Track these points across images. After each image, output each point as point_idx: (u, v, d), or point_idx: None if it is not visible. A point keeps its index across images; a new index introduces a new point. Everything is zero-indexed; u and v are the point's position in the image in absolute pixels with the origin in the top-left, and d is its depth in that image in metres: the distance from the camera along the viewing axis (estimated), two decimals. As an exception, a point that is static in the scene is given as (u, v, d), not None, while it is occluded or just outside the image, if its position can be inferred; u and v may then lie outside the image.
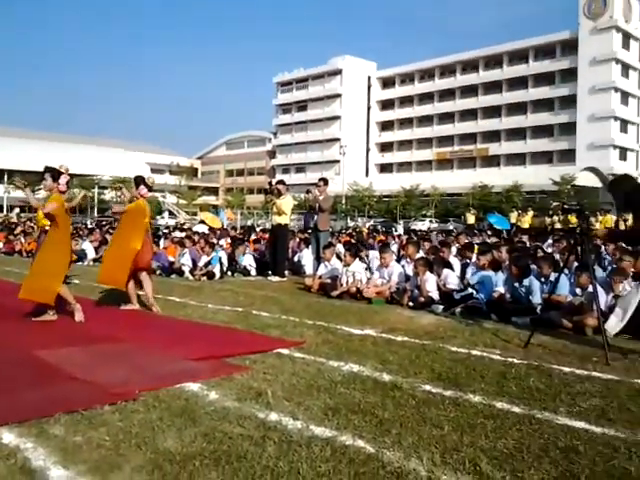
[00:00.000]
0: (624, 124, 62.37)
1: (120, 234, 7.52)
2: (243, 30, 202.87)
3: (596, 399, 3.97)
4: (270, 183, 11.76)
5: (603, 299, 6.58)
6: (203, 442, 3.12)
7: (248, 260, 11.77)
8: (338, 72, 79.34)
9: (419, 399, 3.89)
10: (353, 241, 13.44)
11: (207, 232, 17.06)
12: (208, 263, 11.01)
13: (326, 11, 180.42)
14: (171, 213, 51.57)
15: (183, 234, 16.79)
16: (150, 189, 7.53)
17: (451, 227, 36.62)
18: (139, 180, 7.45)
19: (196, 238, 13.09)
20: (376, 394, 3.99)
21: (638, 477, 2.81)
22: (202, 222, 25.69)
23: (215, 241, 13.15)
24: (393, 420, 3.50)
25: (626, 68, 62.05)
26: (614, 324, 6.28)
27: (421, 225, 40.99)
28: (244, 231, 19.59)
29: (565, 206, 6.32)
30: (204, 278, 10.76)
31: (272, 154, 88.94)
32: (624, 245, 9.66)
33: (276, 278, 10.64)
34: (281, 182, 11.47)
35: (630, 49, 62.28)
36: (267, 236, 13.56)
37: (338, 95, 79.40)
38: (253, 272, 11.64)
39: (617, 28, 60.00)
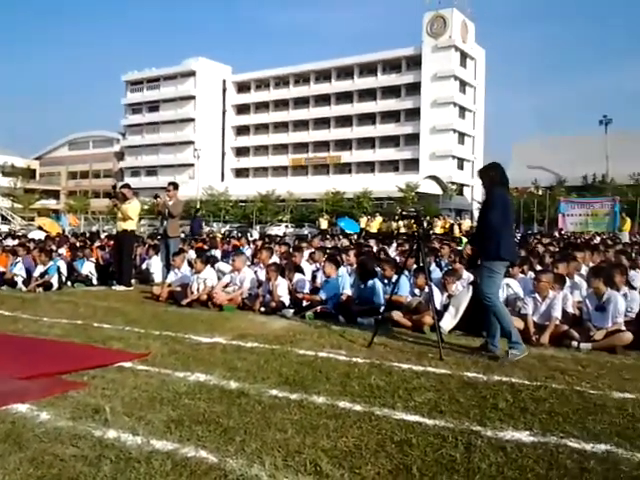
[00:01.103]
0: (461, 136, 68.08)
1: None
2: (90, 26, 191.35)
3: (430, 393, 4.26)
4: (114, 187, 11.12)
5: (438, 299, 7.09)
6: (29, 468, 2.88)
7: (89, 268, 11.06)
8: (192, 74, 77.80)
9: (265, 404, 3.91)
10: (206, 247, 13.22)
11: (43, 239, 15.82)
12: (45, 273, 10.17)
13: (180, 11, 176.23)
14: (4, 218, 46.98)
15: (16, 241, 15.43)
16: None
17: (306, 232, 37.43)
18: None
19: (31, 246, 12.06)
20: (222, 403, 3.93)
21: (462, 462, 3.05)
22: (40, 228, 23.78)
23: (53, 248, 12.22)
24: (238, 428, 3.47)
25: (463, 85, 67.82)
26: (448, 322, 6.80)
27: (277, 230, 41.36)
28: (86, 237, 18.39)
29: (403, 212, 6.74)
30: (40, 289, 9.92)
31: (120, 156, 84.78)
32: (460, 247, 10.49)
33: (121, 287, 10.11)
34: (126, 186, 10.94)
35: (467, 67, 68.18)
36: (112, 243, 12.86)
37: (192, 97, 77.84)
38: (95, 281, 10.95)
39: (455, 47, 65.41)
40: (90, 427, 3.44)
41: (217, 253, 11.92)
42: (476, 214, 55.13)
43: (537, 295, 6.54)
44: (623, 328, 6.07)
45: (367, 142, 71.15)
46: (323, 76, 74.01)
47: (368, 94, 70.72)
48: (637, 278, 8.65)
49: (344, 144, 72.49)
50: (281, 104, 77.18)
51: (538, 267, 8.70)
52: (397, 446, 3.25)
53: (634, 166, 51.76)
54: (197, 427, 3.46)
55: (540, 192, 54.97)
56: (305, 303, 7.72)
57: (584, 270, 8.39)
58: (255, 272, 8.82)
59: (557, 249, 12.52)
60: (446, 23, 64.94)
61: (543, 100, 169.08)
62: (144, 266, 11.82)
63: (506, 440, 3.35)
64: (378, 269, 8.06)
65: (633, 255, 10.45)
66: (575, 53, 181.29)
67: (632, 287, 7.48)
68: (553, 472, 2.95)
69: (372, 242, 14.98)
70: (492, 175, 5.73)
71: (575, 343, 6.00)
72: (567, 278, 7.46)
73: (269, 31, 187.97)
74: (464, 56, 67.54)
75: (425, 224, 19.11)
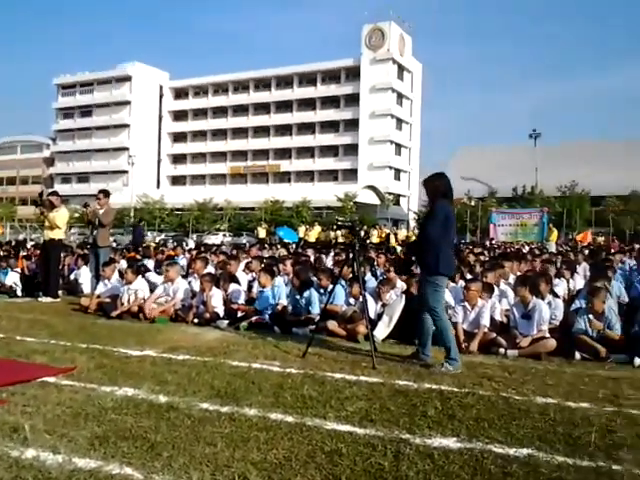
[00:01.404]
0: (398, 147, 69.52)
1: None
2: (21, 24, 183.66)
3: (362, 402, 4.29)
4: (40, 194, 10.67)
5: (373, 308, 7.19)
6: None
7: (13, 279, 10.56)
8: (127, 78, 76.01)
9: (195, 418, 3.83)
10: (139, 257, 12.89)
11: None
12: (-36, 284, 9.65)
13: (116, 14, 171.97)
14: None
15: None
16: None
17: (244, 241, 37.16)
18: None
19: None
20: (150, 417, 3.83)
21: (390, 471, 3.08)
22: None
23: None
24: (165, 443, 3.39)
25: (400, 97, 69.33)
26: (382, 330, 6.90)
27: (214, 239, 40.83)
28: (12, 246, 17.57)
29: (338, 222, 6.80)
30: (-40, 301, 9.40)
31: (50, 162, 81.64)
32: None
33: (47, 299, 9.69)
34: (54, 193, 10.52)
35: (404, 80, 69.76)
36: (38, 252, 12.33)
37: (127, 102, 76.00)
38: (19, 292, 10.47)
39: (393, 60, 66.84)
40: (7, 447, 3.28)
41: (150, 263, 11.63)
42: (412, 224, 56.42)
43: (467, 304, 6.72)
44: (547, 335, 6.34)
45: (307, 151, 71.52)
46: (262, 84, 73.95)
47: (308, 104, 71.18)
48: (561, 287, 9.06)
49: (284, 153, 72.59)
50: (220, 111, 76.52)
51: (469, 276, 8.94)
52: (327, 456, 3.26)
53: (561, 178, 54.29)
54: (123, 443, 3.36)
55: (473, 203, 56.79)
56: (240, 314, 7.65)
57: (512, 279, 8.69)
58: (189, 282, 8.66)
59: (487, 258, 12.92)
60: (384, 36, 66.34)
61: (476, 113, 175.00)
62: (72, 277, 11.39)
63: (434, 447, 3.42)
64: (315, 279, 8.08)
65: (558, 264, 10.92)
66: (507, 69, 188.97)
67: (556, 295, 7.83)
68: (478, 477, 3.03)
69: (310, 251, 15.04)
70: (437, 185, 5.68)
71: (502, 350, 6.20)
72: (495, 287, 7.73)
73: (208, 39, 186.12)
74: (401, 69, 69.13)
75: (362, 234, 19.33)
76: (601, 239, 34.93)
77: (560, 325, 6.99)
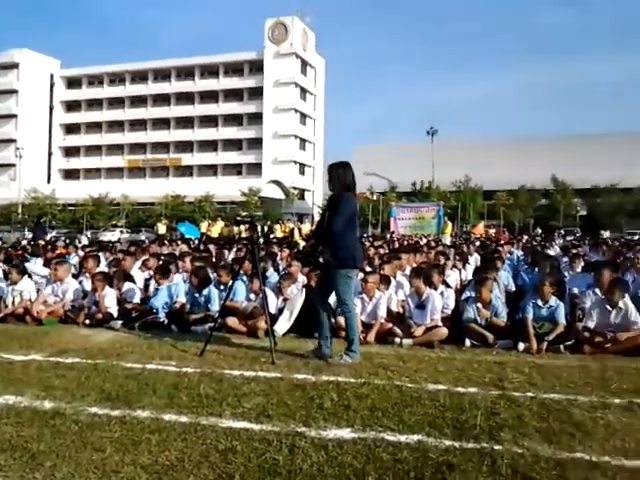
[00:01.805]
0: (303, 142, 69.95)
1: None
2: None
3: (259, 398, 4.27)
4: None
5: (274, 303, 7.18)
6: None
7: None
8: (15, 66, 71.07)
9: (83, 424, 3.65)
10: (27, 255, 12.09)
11: None
12: None
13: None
14: None
15: None
16: None
17: (143, 237, 35.92)
18: None
19: None
20: (33, 425, 3.61)
21: (284, 465, 3.09)
22: None
23: None
24: (49, 451, 3.21)
25: (304, 92, 69.73)
26: (282, 325, 6.90)
27: (110, 236, 39.13)
28: None
29: (238, 218, 6.72)
30: None
31: None
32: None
33: None
34: None
35: (307, 75, 70.20)
36: None
37: (14, 91, 71.08)
38: None
39: (296, 55, 67.04)
40: None
41: (39, 262, 10.94)
42: (317, 218, 57.10)
43: (364, 296, 6.88)
44: (440, 324, 6.61)
45: (209, 145, 70.30)
46: (162, 75, 71.78)
47: (210, 96, 69.92)
48: (454, 277, 9.50)
49: (185, 146, 70.91)
50: (116, 102, 73.45)
51: (368, 269, 9.14)
52: (221, 455, 3.21)
53: (456, 173, 57.00)
54: (0, 455, 3.14)
55: (375, 197, 58.42)
56: (135, 314, 7.36)
57: (408, 271, 8.97)
58: (80, 282, 8.23)
59: (387, 251, 13.29)
60: (287, 30, 66.41)
61: (378, 110, 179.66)
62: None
63: (329, 439, 3.47)
64: (215, 275, 7.95)
65: (451, 256, 11.43)
66: (408, 67, 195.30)
67: (448, 286, 8.20)
68: (370, 466, 3.11)
69: (212, 247, 14.77)
70: (344, 174, 5.56)
71: (398, 340, 6.41)
72: (392, 278, 7.97)
73: (106, 27, 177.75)
74: (305, 64, 69.52)
75: (265, 229, 19.28)
76: (492, 231, 37.04)
77: (452, 314, 7.32)
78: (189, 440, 3.42)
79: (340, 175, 5.57)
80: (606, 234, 33.34)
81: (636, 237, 32.92)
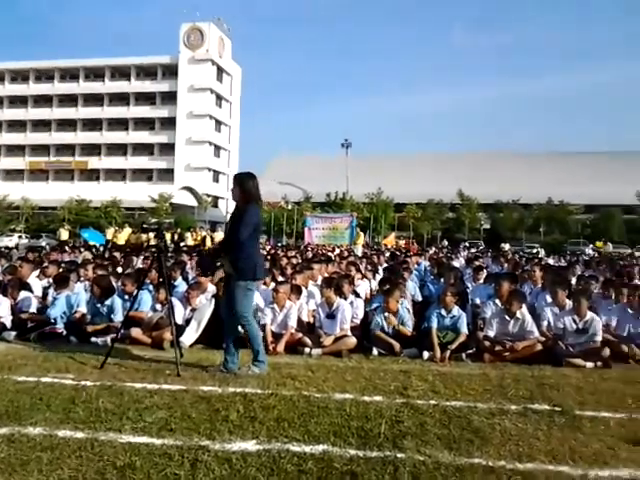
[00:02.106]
0: (217, 149, 69.06)
1: None
2: None
3: (162, 411, 4.12)
4: None
5: (181, 313, 6.99)
6: None
7: None
8: None
9: (-36, 445, 3.37)
10: None
11: None
12: None
13: None
14: None
15: None
16: None
17: (43, 243, 34.03)
18: None
19: None
20: None
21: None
22: None
23: None
24: None
25: (220, 99, 68.92)
26: (190, 336, 6.74)
27: (8, 241, 36.75)
28: None
29: (144, 225, 6.50)
30: None
31: None
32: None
33: None
34: None
35: (223, 82, 69.45)
36: None
37: None
38: None
39: (212, 61, 66.21)
40: None
41: None
42: (230, 227, 56.30)
43: (275, 306, 6.84)
44: (349, 334, 6.69)
45: (118, 148, 67.88)
46: (70, 75, 68.69)
47: (120, 98, 67.64)
48: (363, 287, 9.66)
49: (92, 149, 68.07)
50: (18, 101, 69.41)
51: (280, 278, 9.12)
52: (119, 472, 3.07)
53: (369, 186, 58.32)
54: None
55: (289, 206, 58.60)
56: (30, 324, 6.92)
57: (320, 281, 9.03)
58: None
59: (300, 261, 13.32)
60: (203, 36, 65.54)
61: (296, 121, 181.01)
62: None
63: (233, 451, 3.40)
64: (119, 284, 7.64)
65: (362, 267, 11.63)
66: (327, 80, 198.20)
67: (358, 295, 8.33)
68: (274, 478, 3.08)
69: (118, 254, 14.22)
70: (249, 185, 5.45)
71: (307, 350, 6.42)
72: (304, 288, 7.99)
73: (7, 22, 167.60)
74: (221, 71, 68.82)
75: (175, 237, 18.83)
76: (402, 242, 38.16)
77: (360, 323, 7.43)
78: (84, 457, 3.24)
79: (245, 185, 5.45)
80: (507, 247, 35.12)
81: (534, 250, 35.03)
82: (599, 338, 6.31)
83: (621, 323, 6.83)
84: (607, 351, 6.12)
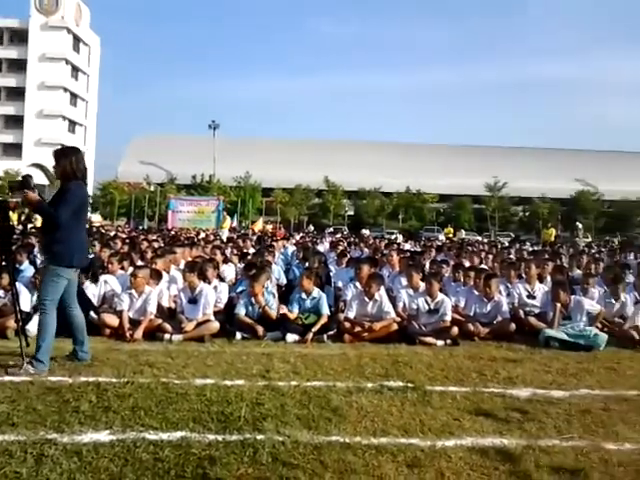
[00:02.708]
0: (72, 124, 64.40)
1: None
2: None
3: (3, 405, 3.81)
4: None
5: (28, 299, 6.45)
6: None
7: None
8: None
9: None
10: None
11: None
12: None
13: None
14: None
15: None
16: None
17: None
18: None
19: None
20: None
21: (29, 477, 2.82)
22: None
23: None
24: None
25: (76, 70, 64.17)
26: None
27: None
28: None
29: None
30: None
31: None
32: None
33: None
34: None
35: (80, 52, 64.69)
36: None
37: None
38: None
39: (68, 30, 61.35)
40: None
41: None
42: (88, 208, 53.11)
43: (133, 291, 6.57)
44: (212, 318, 6.60)
45: (-43, 119, 61.10)
46: None
47: (-41, 64, 60.78)
48: (229, 271, 9.58)
49: None
50: None
51: (140, 263, 8.76)
52: (-52, 476, 2.78)
53: (237, 169, 57.75)
54: None
55: (152, 188, 56.38)
56: None
57: (183, 265, 8.81)
58: None
59: (162, 245, 12.90)
60: (58, 2, 60.56)
61: (161, 100, 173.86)
62: None
63: (83, 443, 3.22)
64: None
65: (228, 251, 11.52)
66: (191, 60, 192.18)
67: (222, 280, 8.25)
68: (128, 468, 2.96)
69: None
70: (71, 161, 4.89)
71: (168, 336, 6.24)
72: (165, 273, 7.74)
73: None
74: (77, 40, 64.09)
75: (22, 217, 17.41)
76: (269, 227, 38.33)
77: (225, 307, 7.36)
78: None
79: (65, 161, 4.91)
80: (367, 232, 36.61)
81: (393, 236, 36.85)
82: (449, 318, 6.79)
83: (468, 303, 7.39)
84: (455, 330, 6.60)
